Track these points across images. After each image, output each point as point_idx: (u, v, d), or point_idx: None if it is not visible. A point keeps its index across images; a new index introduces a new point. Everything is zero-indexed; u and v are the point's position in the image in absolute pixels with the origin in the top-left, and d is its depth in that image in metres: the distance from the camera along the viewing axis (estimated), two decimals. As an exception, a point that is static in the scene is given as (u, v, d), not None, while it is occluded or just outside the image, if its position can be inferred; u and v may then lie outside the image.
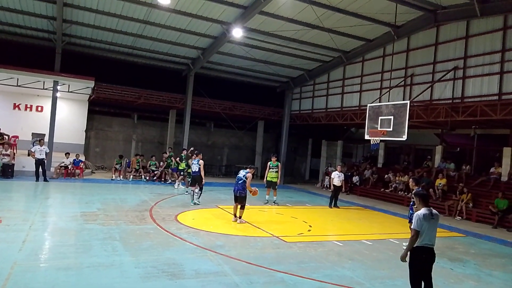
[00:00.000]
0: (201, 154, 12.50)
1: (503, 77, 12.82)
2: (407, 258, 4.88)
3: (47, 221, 8.79)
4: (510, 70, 12.63)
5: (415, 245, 4.77)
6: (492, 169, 14.81)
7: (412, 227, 4.84)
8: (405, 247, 4.94)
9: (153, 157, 18.61)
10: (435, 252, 4.87)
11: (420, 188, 8.33)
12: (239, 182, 9.98)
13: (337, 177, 14.14)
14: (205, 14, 15.34)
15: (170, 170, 17.71)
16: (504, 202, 12.49)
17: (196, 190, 12.16)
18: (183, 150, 17.60)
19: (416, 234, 4.73)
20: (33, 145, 15.65)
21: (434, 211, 4.91)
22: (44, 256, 6.40)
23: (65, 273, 5.54)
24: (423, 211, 4.82)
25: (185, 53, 19.65)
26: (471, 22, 13.85)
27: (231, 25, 15.70)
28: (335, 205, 14.10)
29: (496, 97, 12.90)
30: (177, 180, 16.43)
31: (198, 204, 12.09)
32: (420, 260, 4.79)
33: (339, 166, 15.19)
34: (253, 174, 10.29)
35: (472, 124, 15.72)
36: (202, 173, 12.03)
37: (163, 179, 17.91)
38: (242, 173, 10.11)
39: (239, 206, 10.07)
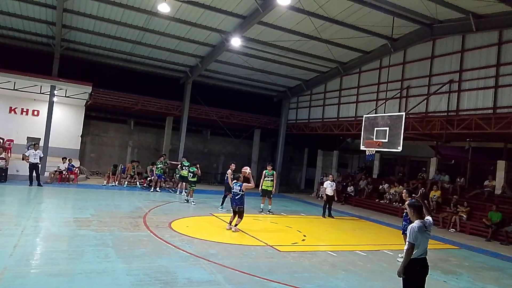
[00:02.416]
0: (233, 165, 13.16)
1: (497, 91, 12.96)
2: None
3: (39, 226, 8.69)
4: (505, 84, 12.78)
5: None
6: (486, 182, 14.90)
7: (407, 240, 4.75)
8: (400, 260, 4.87)
9: (154, 164, 18.46)
10: (429, 264, 4.84)
11: (413, 199, 8.40)
12: (236, 197, 9.94)
13: (329, 187, 14.17)
14: (205, 23, 15.46)
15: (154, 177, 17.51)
16: (498, 215, 12.55)
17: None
18: (183, 158, 17.62)
19: (411, 247, 4.63)
20: (28, 149, 15.56)
21: (428, 220, 4.84)
22: (35, 262, 6.32)
23: (56, 280, 5.48)
24: (417, 223, 4.72)
25: (184, 61, 19.74)
26: (466, 36, 14.04)
27: (230, 34, 15.82)
28: (329, 215, 14.09)
29: (490, 111, 13.02)
30: (178, 187, 16.65)
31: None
32: (415, 272, 4.73)
33: (331, 176, 15.23)
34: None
35: (466, 137, 15.84)
36: (230, 182, 12.72)
37: (158, 186, 17.74)
38: (236, 188, 9.99)
39: (237, 215, 10.03)
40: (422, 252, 4.71)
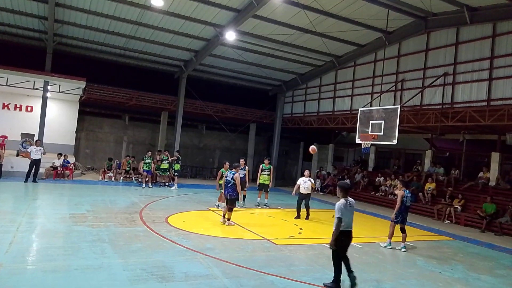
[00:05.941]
0: (243, 161, 13.73)
1: (491, 84, 13.03)
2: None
3: (35, 222, 8.66)
4: (499, 76, 12.84)
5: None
6: (480, 174, 15.02)
7: (336, 216, 5.75)
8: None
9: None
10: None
11: (408, 191, 8.54)
12: (229, 185, 9.95)
13: (302, 183, 12.19)
14: (199, 16, 15.34)
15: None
16: (492, 206, 12.67)
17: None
18: (176, 151, 17.68)
19: (340, 221, 5.73)
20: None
21: (350, 199, 6.03)
22: (31, 258, 6.30)
23: (52, 276, 5.47)
24: (342, 201, 5.90)
25: (178, 55, 19.61)
26: (461, 29, 14.06)
27: (224, 28, 15.72)
28: (306, 217, 12.02)
29: (484, 103, 13.09)
30: (174, 182, 16.71)
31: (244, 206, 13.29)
32: (342, 242, 5.80)
33: (306, 171, 12.96)
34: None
35: (461, 130, 15.93)
36: (247, 178, 13.44)
37: (154, 181, 17.70)
38: (229, 175, 10.01)
39: (227, 208, 10.04)
40: (347, 225, 5.87)
